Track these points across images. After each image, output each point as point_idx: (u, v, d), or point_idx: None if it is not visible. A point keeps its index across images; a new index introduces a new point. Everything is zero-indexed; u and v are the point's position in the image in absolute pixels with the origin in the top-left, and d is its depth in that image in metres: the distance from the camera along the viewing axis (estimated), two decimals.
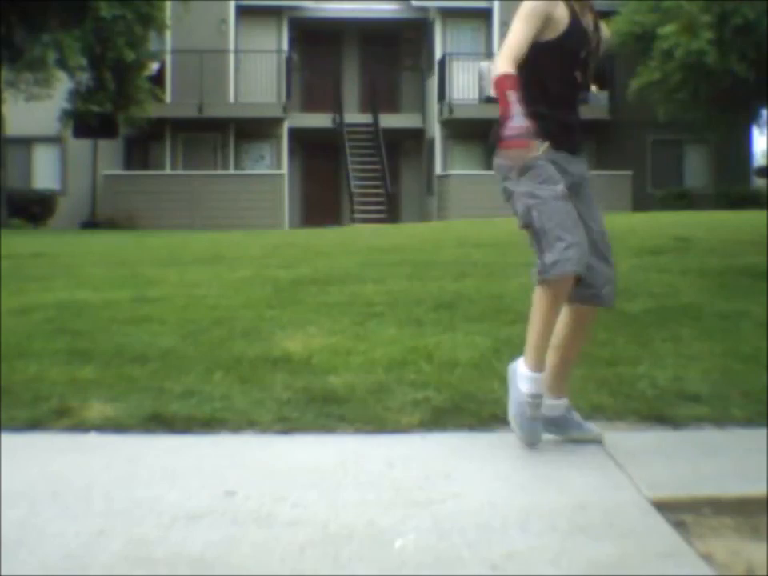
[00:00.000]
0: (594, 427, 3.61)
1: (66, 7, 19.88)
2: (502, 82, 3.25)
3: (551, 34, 3.46)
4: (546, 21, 3.42)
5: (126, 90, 21.62)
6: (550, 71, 3.50)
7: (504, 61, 3.31)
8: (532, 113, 3.33)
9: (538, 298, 3.40)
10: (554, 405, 3.53)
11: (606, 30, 3.72)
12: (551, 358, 3.52)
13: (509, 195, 3.48)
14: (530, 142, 3.22)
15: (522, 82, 3.37)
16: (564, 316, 3.53)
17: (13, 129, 21.93)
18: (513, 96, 3.22)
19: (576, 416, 3.59)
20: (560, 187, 3.38)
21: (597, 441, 3.53)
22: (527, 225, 3.40)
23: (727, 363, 4.58)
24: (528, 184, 3.38)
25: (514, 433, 3.47)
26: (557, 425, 3.55)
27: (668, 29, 20.05)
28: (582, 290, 3.47)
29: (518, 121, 3.19)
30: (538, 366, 3.41)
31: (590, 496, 2.96)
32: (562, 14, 3.47)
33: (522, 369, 3.42)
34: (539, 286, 3.38)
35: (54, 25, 20.02)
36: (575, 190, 3.49)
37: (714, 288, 6.76)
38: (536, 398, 3.39)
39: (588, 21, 3.58)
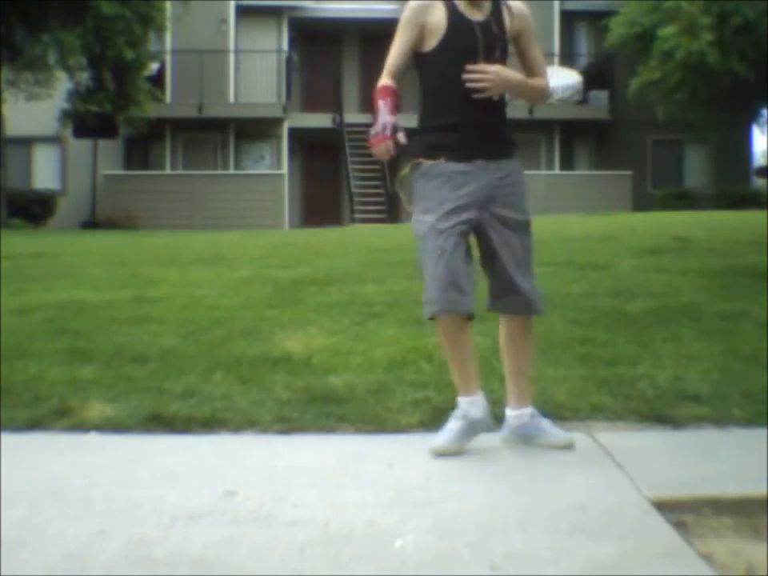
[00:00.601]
0: (562, 433, 3.54)
1: (66, 7, 19.86)
2: (375, 93, 3.35)
3: (432, 42, 3.42)
4: (421, 28, 3.41)
5: (126, 90, 21.60)
6: (446, 78, 3.43)
7: (383, 75, 3.41)
8: (433, 126, 3.44)
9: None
10: (518, 415, 3.53)
11: (516, 6, 3.51)
12: (505, 370, 3.60)
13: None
14: (392, 136, 3.27)
15: (422, 96, 3.48)
16: (501, 328, 3.60)
17: (13, 129, 21.92)
18: (381, 104, 3.32)
19: (545, 423, 3.55)
20: (431, 218, 3.38)
21: (568, 447, 3.46)
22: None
23: (727, 363, 4.58)
24: (415, 215, 3.46)
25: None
26: (525, 435, 3.53)
27: (668, 30, 20.05)
28: (505, 301, 3.52)
29: (382, 119, 3.28)
30: (466, 390, 3.46)
31: (590, 496, 2.96)
32: (438, 18, 3.41)
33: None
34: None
35: (54, 24, 20.00)
36: (492, 196, 3.45)
37: (714, 288, 6.76)
38: (466, 418, 3.42)
39: (483, 8, 3.44)
